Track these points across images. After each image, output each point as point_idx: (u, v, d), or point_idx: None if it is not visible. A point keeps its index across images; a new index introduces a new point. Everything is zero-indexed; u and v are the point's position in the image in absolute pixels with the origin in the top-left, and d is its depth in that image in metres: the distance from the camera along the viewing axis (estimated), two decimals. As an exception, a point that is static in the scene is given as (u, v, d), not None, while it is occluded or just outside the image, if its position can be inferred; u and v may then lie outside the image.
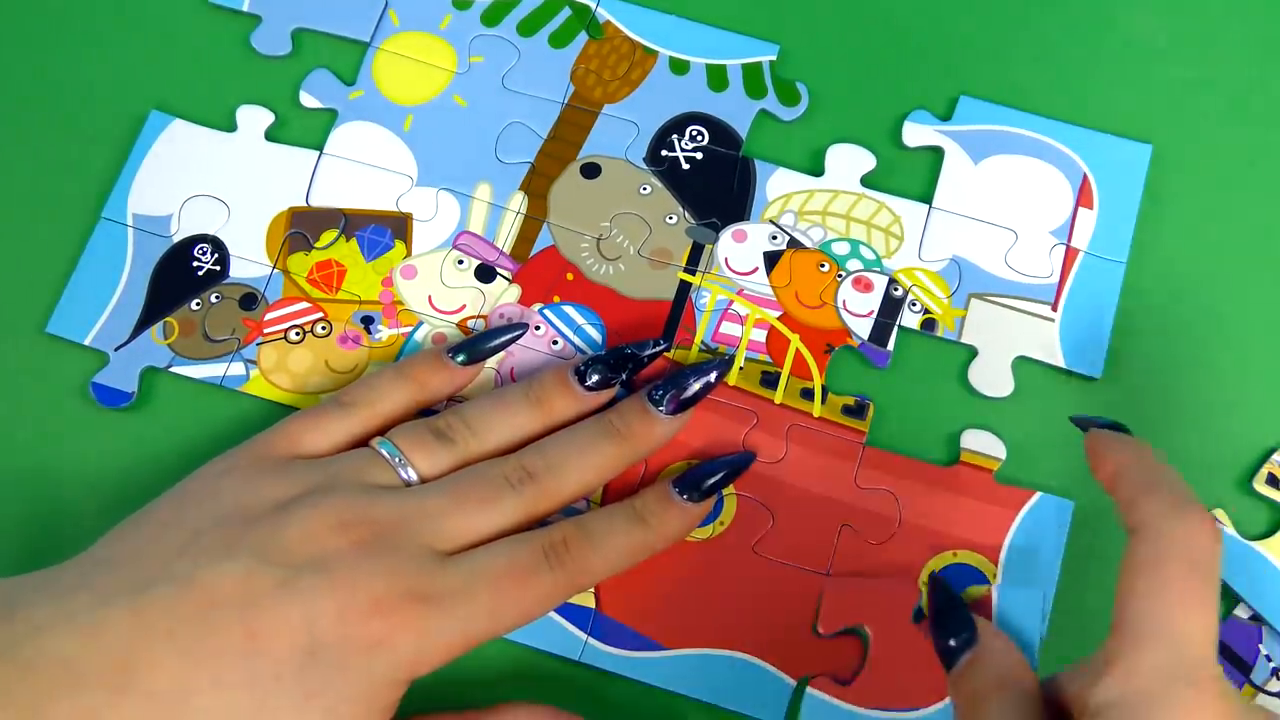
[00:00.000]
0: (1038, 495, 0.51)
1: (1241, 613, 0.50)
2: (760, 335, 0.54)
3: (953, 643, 0.44)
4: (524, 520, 0.47)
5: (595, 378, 0.49)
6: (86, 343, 0.53)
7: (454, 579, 0.43)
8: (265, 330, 0.54)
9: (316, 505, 0.43)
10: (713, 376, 0.50)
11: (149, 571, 0.42)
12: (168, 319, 0.53)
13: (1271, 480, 0.52)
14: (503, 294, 0.54)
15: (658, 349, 0.51)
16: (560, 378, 0.49)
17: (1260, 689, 0.49)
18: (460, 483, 0.46)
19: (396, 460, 0.46)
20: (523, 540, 0.45)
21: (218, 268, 0.54)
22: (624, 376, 0.50)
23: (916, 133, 0.57)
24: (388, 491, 0.45)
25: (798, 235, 0.55)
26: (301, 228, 0.55)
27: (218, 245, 0.55)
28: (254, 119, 0.57)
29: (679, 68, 0.58)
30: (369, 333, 0.54)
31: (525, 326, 0.52)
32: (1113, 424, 0.46)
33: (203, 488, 0.46)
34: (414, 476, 0.46)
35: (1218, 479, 0.52)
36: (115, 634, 0.40)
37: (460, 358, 0.50)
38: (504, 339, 0.52)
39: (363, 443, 0.48)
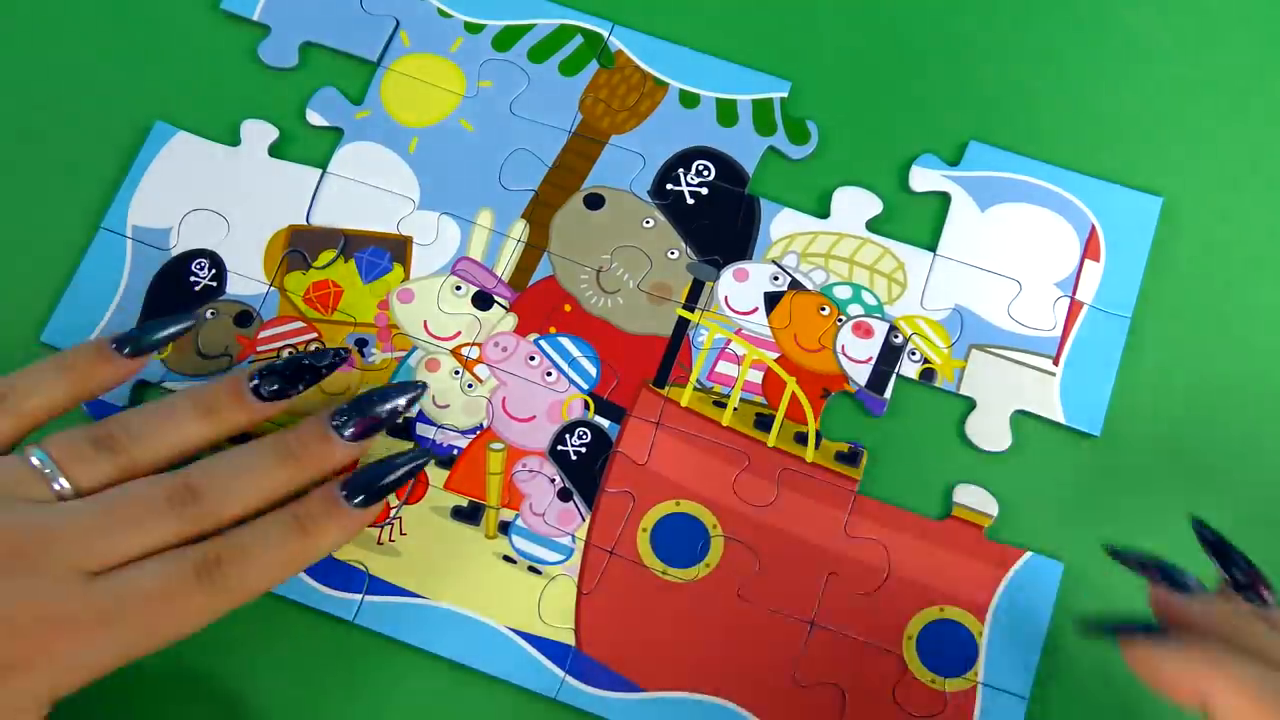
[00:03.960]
0: (1028, 555, 0.51)
1: None
2: (757, 376, 0.53)
3: (1240, 576, 0.40)
4: (181, 539, 0.44)
5: (269, 389, 0.47)
6: (80, 353, 0.53)
7: (98, 602, 0.41)
8: (258, 349, 0.53)
9: None
10: (401, 402, 0.47)
11: None
12: (162, 332, 0.53)
13: None
14: (499, 322, 0.54)
15: (336, 360, 0.48)
16: (233, 387, 0.47)
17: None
18: (116, 501, 0.43)
19: (49, 471, 0.43)
20: (173, 559, 0.43)
21: (214, 283, 0.54)
22: (300, 388, 0.47)
23: (924, 177, 0.56)
24: (35, 506, 0.42)
25: (800, 277, 0.55)
26: (300, 246, 0.55)
27: (215, 260, 0.54)
28: (258, 134, 0.56)
29: (689, 101, 0.57)
30: (363, 355, 0.53)
31: (335, 357, 0.49)
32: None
33: None
34: (68, 488, 0.43)
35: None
36: None
37: (126, 349, 0.47)
38: (174, 329, 0.48)
39: (16, 444, 0.45)
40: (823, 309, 0.54)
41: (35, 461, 0.43)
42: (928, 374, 0.53)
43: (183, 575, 0.42)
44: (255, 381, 0.47)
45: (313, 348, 0.53)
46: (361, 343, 0.53)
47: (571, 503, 0.52)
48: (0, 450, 0.44)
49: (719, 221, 0.55)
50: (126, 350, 0.47)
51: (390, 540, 0.51)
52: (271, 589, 0.45)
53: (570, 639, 0.50)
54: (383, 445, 0.52)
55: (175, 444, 0.46)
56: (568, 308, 0.54)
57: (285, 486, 0.46)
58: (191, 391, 0.47)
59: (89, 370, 0.46)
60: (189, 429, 0.46)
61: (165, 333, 0.48)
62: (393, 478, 0.46)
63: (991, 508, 0.51)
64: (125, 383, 0.49)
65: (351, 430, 0.46)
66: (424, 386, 0.49)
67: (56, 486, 0.43)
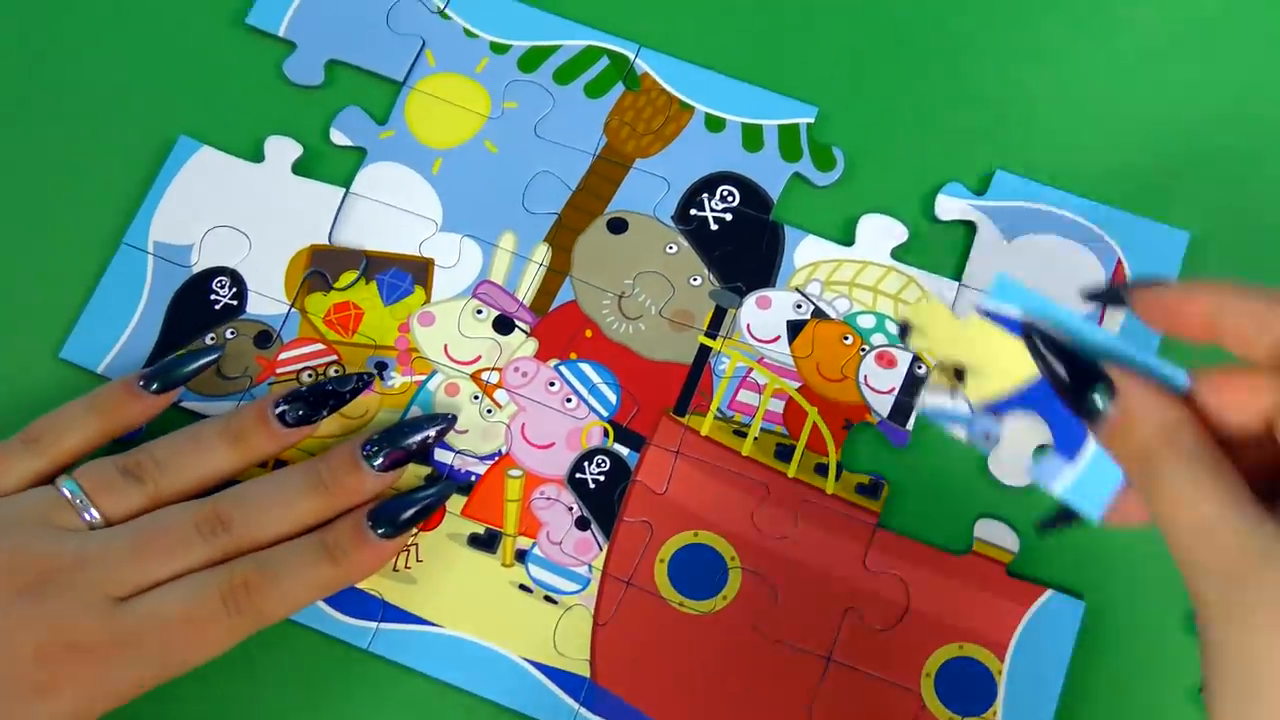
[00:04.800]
0: (1049, 592, 0.50)
1: None
2: (778, 406, 0.53)
3: (1092, 396, 0.35)
4: (211, 561, 0.45)
5: (295, 415, 0.48)
6: (99, 370, 0.53)
7: (123, 628, 0.42)
8: (278, 370, 0.53)
9: None
10: (430, 434, 0.49)
11: None
12: (180, 352, 0.53)
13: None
14: (520, 347, 0.54)
15: (359, 385, 0.50)
16: (259, 415, 0.48)
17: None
18: (145, 530, 0.44)
19: (79, 501, 0.45)
20: (200, 583, 0.44)
21: (235, 302, 0.54)
22: (324, 413, 0.49)
23: (950, 206, 0.56)
24: (67, 534, 0.44)
25: (823, 305, 0.54)
26: (321, 267, 0.54)
27: (236, 279, 0.54)
28: (282, 151, 0.56)
29: (715, 125, 0.57)
30: (382, 379, 0.53)
31: (341, 394, 0.50)
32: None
33: None
34: (98, 518, 0.45)
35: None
36: None
37: (154, 386, 0.49)
38: (200, 363, 0.50)
39: (49, 479, 0.46)
40: (846, 338, 0.54)
41: (66, 493, 0.45)
42: (951, 407, 0.53)
43: (208, 600, 0.43)
44: (280, 408, 0.48)
45: (333, 371, 0.53)
46: (381, 366, 0.53)
47: (589, 532, 0.51)
48: (40, 483, 0.46)
49: (742, 248, 0.55)
50: (154, 387, 0.48)
51: (406, 567, 0.51)
52: (297, 611, 0.46)
53: (585, 670, 0.50)
54: (410, 472, 0.52)
55: (203, 472, 0.47)
56: (589, 333, 0.54)
57: (314, 516, 0.47)
58: (217, 419, 0.48)
59: (118, 409, 0.48)
60: (216, 457, 0.47)
61: (192, 367, 0.49)
62: (416, 510, 0.47)
63: (1013, 543, 0.51)
64: (153, 418, 0.50)
65: (381, 461, 0.47)
66: (453, 418, 0.50)
67: (87, 517, 0.45)
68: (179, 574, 0.44)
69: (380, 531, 0.46)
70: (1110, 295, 0.38)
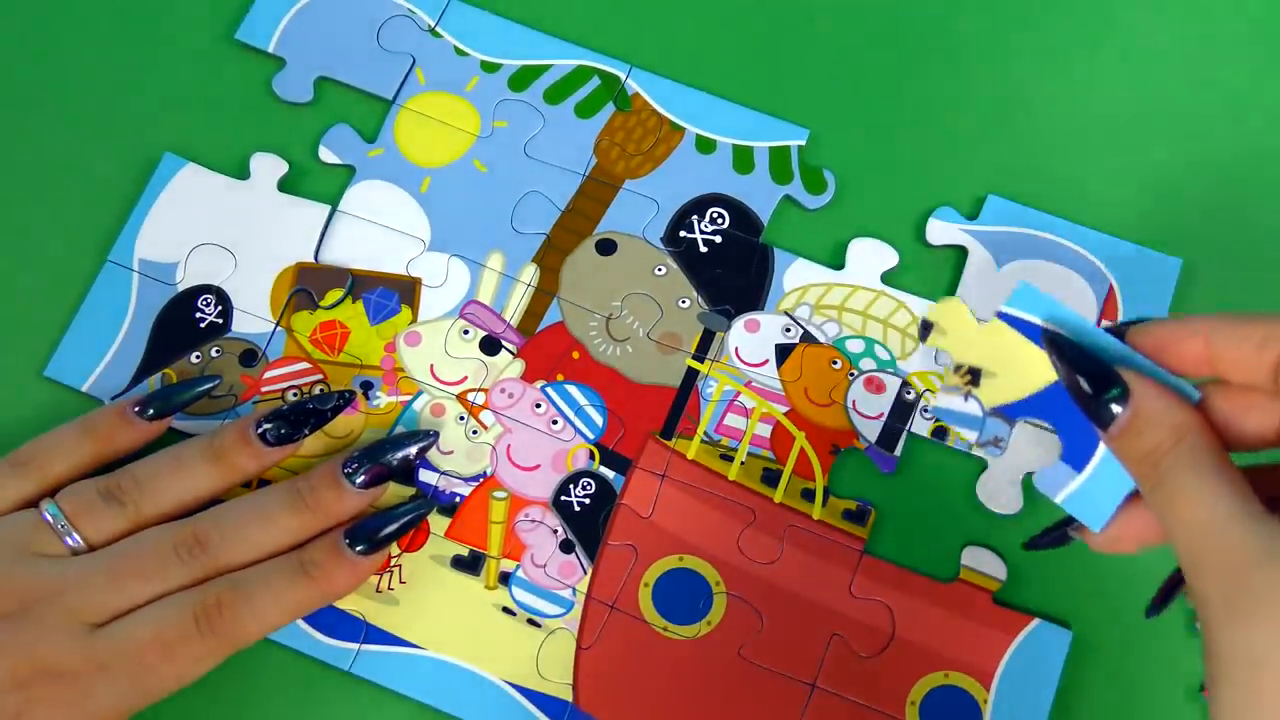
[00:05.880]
0: (1036, 621, 0.50)
1: None
2: (765, 430, 0.53)
3: (1105, 397, 0.35)
4: (190, 583, 0.45)
5: (275, 434, 0.48)
6: (84, 389, 0.53)
7: (98, 653, 0.42)
8: (263, 389, 0.53)
9: None
10: (412, 451, 0.49)
11: None
12: (166, 370, 0.53)
13: None
14: (506, 368, 0.53)
15: (341, 403, 0.49)
16: (241, 434, 0.48)
17: None
18: (122, 555, 0.44)
19: (61, 526, 0.45)
20: (173, 604, 0.44)
21: (220, 320, 0.54)
22: (306, 432, 0.48)
23: (941, 230, 0.55)
24: (46, 561, 0.44)
25: (812, 329, 0.54)
26: (308, 285, 0.54)
27: (221, 297, 0.54)
28: (268, 168, 0.56)
29: (705, 146, 0.57)
30: (367, 399, 0.53)
31: (323, 413, 0.49)
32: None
33: None
34: (80, 542, 0.45)
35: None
36: None
37: (150, 412, 0.49)
38: (197, 390, 0.50)
39: (35, 501, 0.46)
40: (834, 362, 0.54)
41: (48, 517, 0.45)
42: (940, 432, 0.52)
43: (181, 622, 0.43)
44: (262, 427, 0.47)
45: (317, 390, 0.53)
46: (367, 385, 0.53)
47: (573, 555, 0.51)
48: (26, 505, 0.46)
49: (732, 270, 0.55)
50: (150, 414, 0.49)
51: (389, 589, 0.50)
52: (272, 632, 0.46)
53: (568, 694, 0.49)
54: (392, 492, 0.51)
55: (184, 493, 0.47)
56: (576, 355, 0.54)
57: (295, 534, 0.46)
58: (199, 439, 0.48)
59: (111, 434, 0.48)
60: (198, 478, 0.47)
61: (189, 394, 0.50)
62: (394, 527, 0.47)
63: (1000, 571, 0.51)
64: (146, 444, 0.49)
65: (363, 478, 0.47)
66: (436, 435, 0.50)
67: (69, 541, 0.45)
68: (157, 597, 0.44)
69: (358, 549, 0.46)
70: (1111, 331, 0.38)
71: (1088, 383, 0.35)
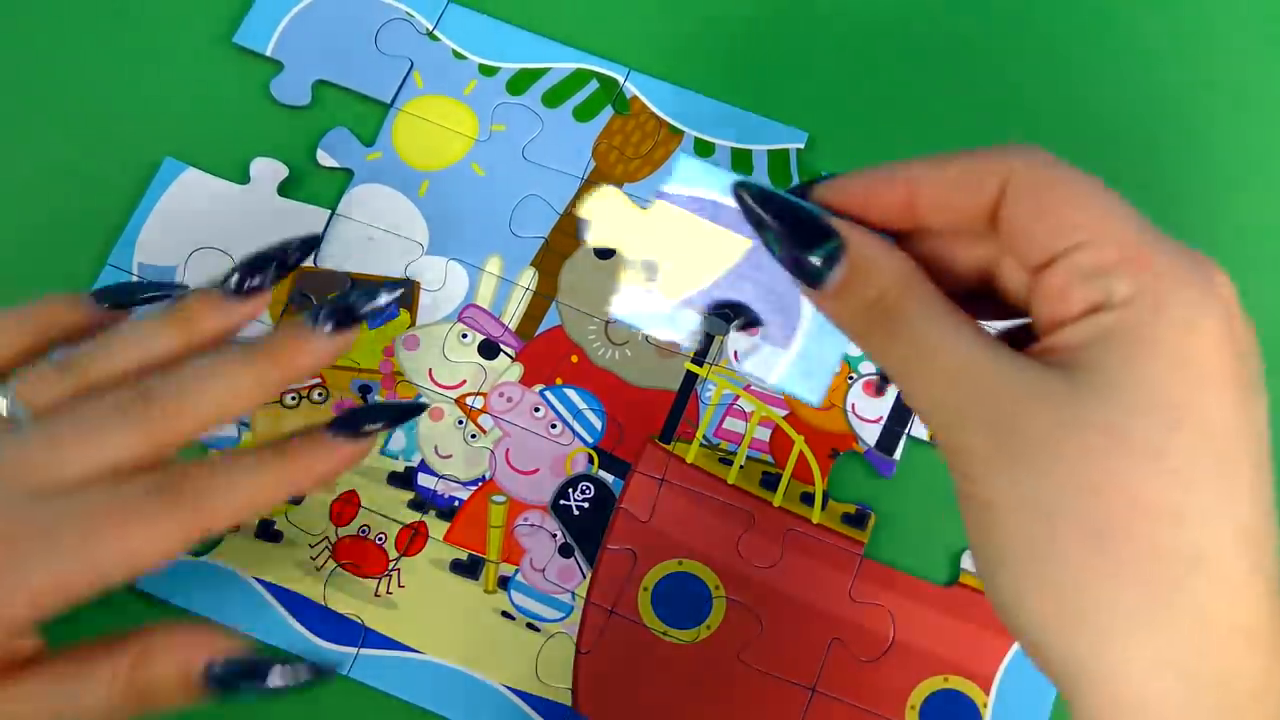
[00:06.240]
0: (1036, 625, 0.50)
1: None
2: (764, 434, 0.53)
3: (816, 259, 0.32)
4: (143, 453, 0.39)
5: (236, 277, 0.42)
6: (81, 392, 0.52)
7: (36, 518, 0.37)
8: (261, 393, 0.52)
9: None
10: (381, 300, 0.41)
11: None
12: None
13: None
14: (505, 372, 0.53)
15: (305, 250, 0.43)
16: (202, 291, 0.42)
17: None
18: (63, 414, 0.39)
19: (4, 399, 0.40)
20: (129, 476, 0.38)
21: (219, 324, 0.53)
22: (270, 280, 0.42)
23: (941, 233, 0.55)
24: None
25: (811, 332, 0.54)
26: (306, 289, 0.54)
27: (221, 301, 0.54)
28: (268, 172, 0.56)
29: (704, 149, 0.57)
30: (365, 402, 0.53)
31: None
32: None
33: None
34: (21, 410, 0.40)
35: None
36: None
37: (106, 304, 0.44)
38: (158, 293, 0.44)
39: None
40: (833, 366, 0.53)
41: None
42: (938, 436, 0.52)
43: (139, 489, 0.38)
44: (224, 282, 0.42)
45: (316, 395, 0.53)
46: (365, 389, 0.53)
47: (572, 559, 0.51)
48: None
49: (731, 274, 0.55)
50: (106, 305, 0.44)
51: (388, 592, 0.50)
52: (243, 518, 0.40)
53: (567, 699, 0.49)
54: (379, 494, 0.51)
55: (139, 354, 0.41)
56: (575, 359, 0.54)
57: (256, 385, 0.41)
58: (161, 304, 0.43)
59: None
60: (157, 338, 0.41)
61: (148, 294, 0.45)
62: (380, 415, 0.41)
63: (1000, 576, 0.50)
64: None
65: (330, 325, 0.41)
66: (409, 284, 0.47)
67: (11, 409, 0.40)
68: (105, 461, 0.39)
69: (341, 437, 0.40)
70: (795, 193, 0.33)
71: (794, 239, 0.31)
